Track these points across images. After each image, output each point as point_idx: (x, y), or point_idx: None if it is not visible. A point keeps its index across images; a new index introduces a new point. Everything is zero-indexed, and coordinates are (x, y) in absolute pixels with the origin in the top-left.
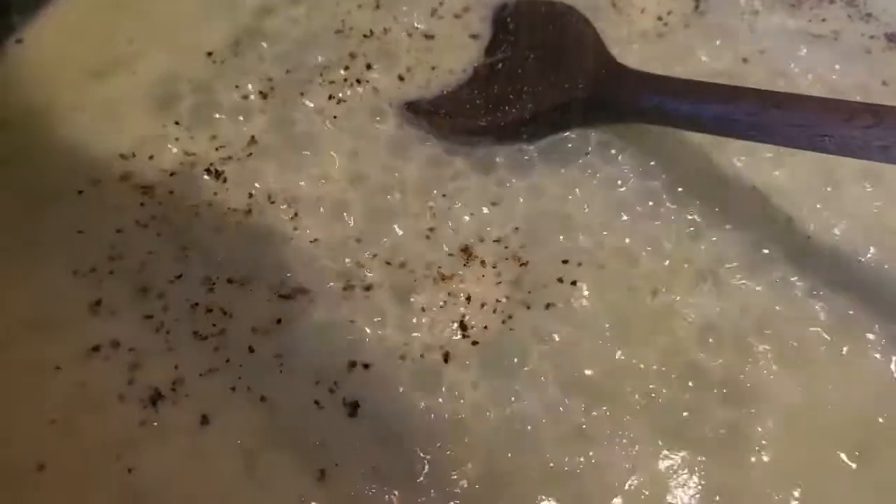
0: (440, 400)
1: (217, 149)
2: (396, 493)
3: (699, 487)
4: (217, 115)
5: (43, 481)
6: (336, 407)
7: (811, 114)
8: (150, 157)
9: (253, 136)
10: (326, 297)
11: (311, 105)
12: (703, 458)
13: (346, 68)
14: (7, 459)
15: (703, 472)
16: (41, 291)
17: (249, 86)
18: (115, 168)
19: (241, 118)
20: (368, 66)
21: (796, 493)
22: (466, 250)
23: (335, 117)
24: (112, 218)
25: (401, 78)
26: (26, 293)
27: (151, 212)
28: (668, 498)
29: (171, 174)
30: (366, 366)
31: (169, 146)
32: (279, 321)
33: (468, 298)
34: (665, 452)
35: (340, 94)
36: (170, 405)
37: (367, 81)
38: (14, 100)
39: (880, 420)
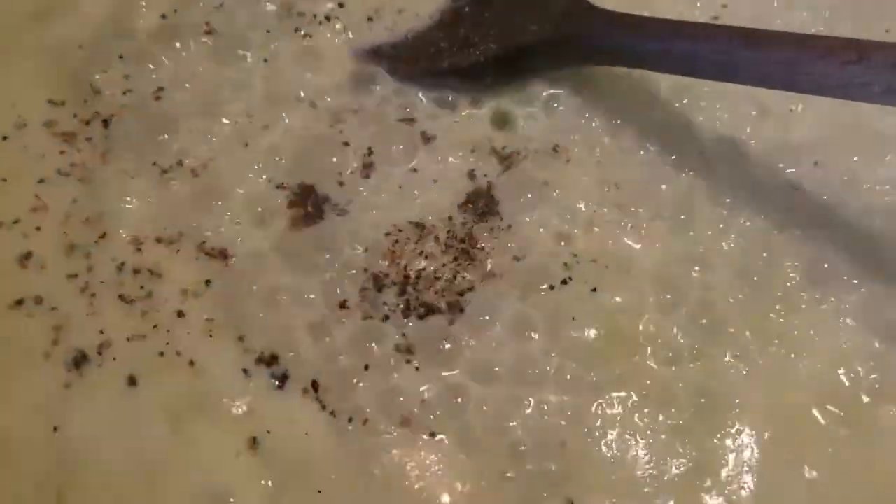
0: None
1: (157, 91)
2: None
3: None
4: (166, 58)
5: None
6: (264, 377)
7: (787, 51)
8: (85, 101)
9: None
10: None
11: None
12: None
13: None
14: None
15: None
16: None
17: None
18: (41, 114)
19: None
20: (341, 5)
21: None
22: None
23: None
24: (35, 167)
25: (369, 19)
26: None
27: (71, 159)
28: None
29: (104, 121)
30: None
31: (107, 91)
32: (208, 282)
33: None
34: None
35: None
36: (95, 367)
37: (337, 18)
38: None
39: None
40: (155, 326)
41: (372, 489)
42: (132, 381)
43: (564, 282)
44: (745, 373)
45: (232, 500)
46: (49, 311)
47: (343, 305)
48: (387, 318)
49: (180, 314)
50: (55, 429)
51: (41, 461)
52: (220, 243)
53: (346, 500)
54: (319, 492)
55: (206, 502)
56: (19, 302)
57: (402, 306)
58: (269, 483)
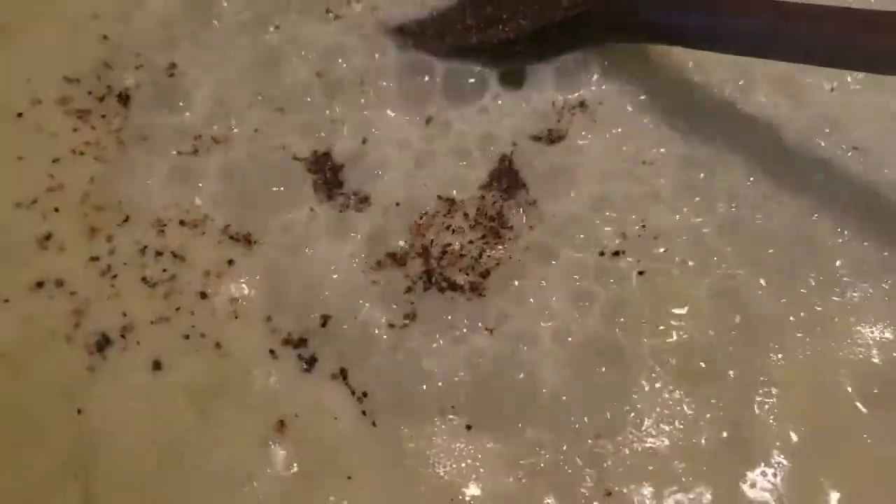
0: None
1: (171, 66)
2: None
3: None
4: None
5: None
6: (291, 359)
7: (837, 25)
8: (98, 78)
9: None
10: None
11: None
12: None
13: None
14: None
15: None
16: None
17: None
18: (56, 90)
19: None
20: None
21: None
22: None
23: None
24: (49, 145)
25: None
26: None
27: (85, 138)
28: None
29: (120, 96)
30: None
31: (124, 72)
32: (231, 262)
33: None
34: None
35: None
36: (119, 351)
37: None
38: None
39: None
40: (178, 309)
41: (403, 477)
42: (157, 365)
43: (602, 252)
44: (780, 357)
45: (256, 483)
46: (70, 295)
47: (374, 283)
48: (409, 289)
49: (203, 295)
50: (79, 411)
51: (65, 442)
52: (243, 226)
53: (377, 488)
54: (349, 478)
55: (231, 485)
56: (40, 284)
57: (423, 280)
58: (297, 467)
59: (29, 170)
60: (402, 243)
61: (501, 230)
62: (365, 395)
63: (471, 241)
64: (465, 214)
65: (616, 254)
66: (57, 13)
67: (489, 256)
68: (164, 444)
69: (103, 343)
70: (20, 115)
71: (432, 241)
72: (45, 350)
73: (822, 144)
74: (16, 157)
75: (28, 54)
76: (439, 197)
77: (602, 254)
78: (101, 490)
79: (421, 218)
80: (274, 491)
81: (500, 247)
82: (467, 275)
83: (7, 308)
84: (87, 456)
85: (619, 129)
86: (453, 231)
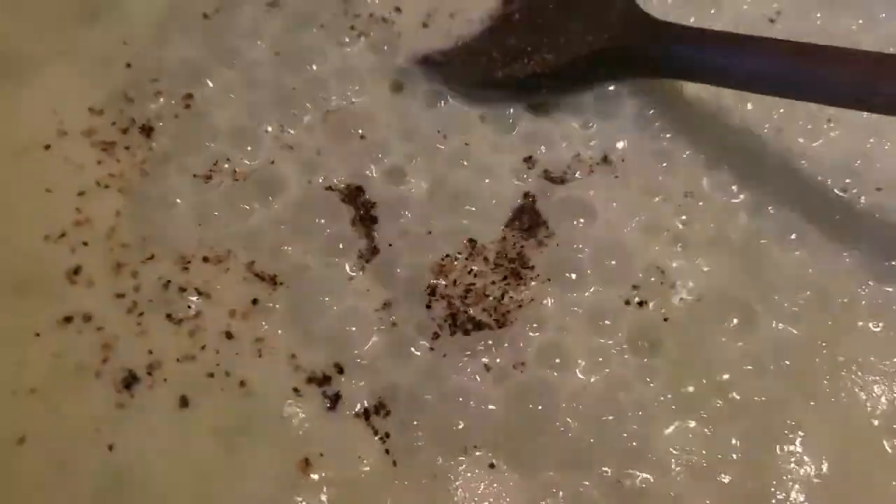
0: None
1: (187, 97)
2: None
3: None
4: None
5: (24, 455)
6: (316, 397)
7: (861, 70)
8: (121, 110)
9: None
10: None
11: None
12: None
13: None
14: None
15: None
16: (19, 254)
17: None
18: (81, 122)
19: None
20: (398, 9)
21: None
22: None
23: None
24: (75, 178)
25: (424, 25)
26: (4, 254)
27: (109, 170)
28: None
29: (143, 128)
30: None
31: (146, 104)
32: (255, 301)
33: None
34: None
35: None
36: (146, 388)
37: (393, 23)
38: None
39: None
40: (203, 347)
41: None
42: (184, 402)
43: (627, 301)
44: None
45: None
46: (97, 330)
47: (394, 324)
48: (436, 335)
49: (229, 335)
50: (110, 447)
51: (98, 478)
52: (268, 265)
53: None
54: None
55: None
56: (68, 318)
57: (449, 322)
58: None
59: (57, 203)
60: (427, 283)
61: (522, 270)
62: (388, 435)
63: (493, 283)
64: (485, 259)
65: (641, 303)
66: (81, 45)
67: (511, 297)
68: (194, 481)
69: (130, 380)
70: (48, 147)
71: (455, 281)
72: (75, 385)
73: (848, 181)
74: (44, 190)
75: (54, 86)
76: (465, 240)
77: (627, 302)
78: None
79: (443, 259)
80: None
81: (521, 288)
82: (491, 315)
83: (38, 342)
84: (120, 491)
85: (643, 170)
86: (475, 274)
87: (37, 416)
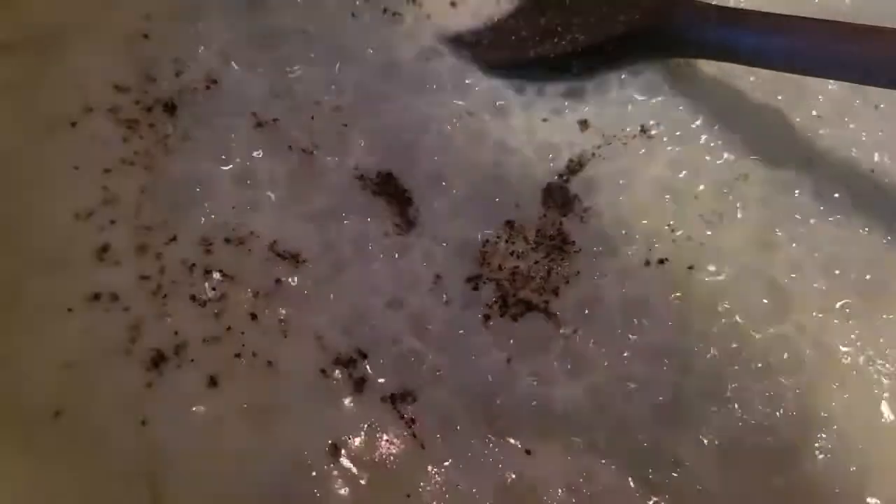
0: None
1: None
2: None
3: None
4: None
5: (61, 428)
6: (342, 379)
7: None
8: (146, 92)
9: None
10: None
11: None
12: None
13: None
14: (25, 403)
15: None
16: (49, 231)
17: None
18: (107, 99)
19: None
20: None
21: None
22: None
23: None
24: (101, 155)
25: (452, 4)
26: (36, 232)
27: (134, 147)
28: None
29: (166, 105)
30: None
31: (169, 82)
32: (278, 281)
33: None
34: None
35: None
36: (174, 368)
37: (421, 5)
38: (24, 21)
39: None
40: (229, 329)
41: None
42: (213, 382)
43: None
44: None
45: (317, 492)
46: (124, 311)
47: (445, 301)
48: (487, 318)
49: (253, 316)
50: (143, 422)
51: (132, 452)
52: (292, 244)
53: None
54: (408, 496)
55: (293, 499)
56: (97, 296)
57: (498, 304)
58: (354, 485)
59: (84, 180)
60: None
61: (565, 246)
62: (413, 420)
63: (536, 262)
64: (525, 238)
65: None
66: (108, 22)
67: (557, 274)
68: (225, 457)
69: (158, 360)
70: (74, 124)
71: (500, 265)
72: (107, 362)
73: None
74: (72, 167)
75: (80, 62)
76: (503, 222)
77: (661, 261)
78: (170, 498)
79: (484, 245)
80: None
81: (566, 262)
82: (540, 294)
83: (71, 317)
84: (153, 465)
85: (677, 146)
86: (517, 256)
87: (72, 390)
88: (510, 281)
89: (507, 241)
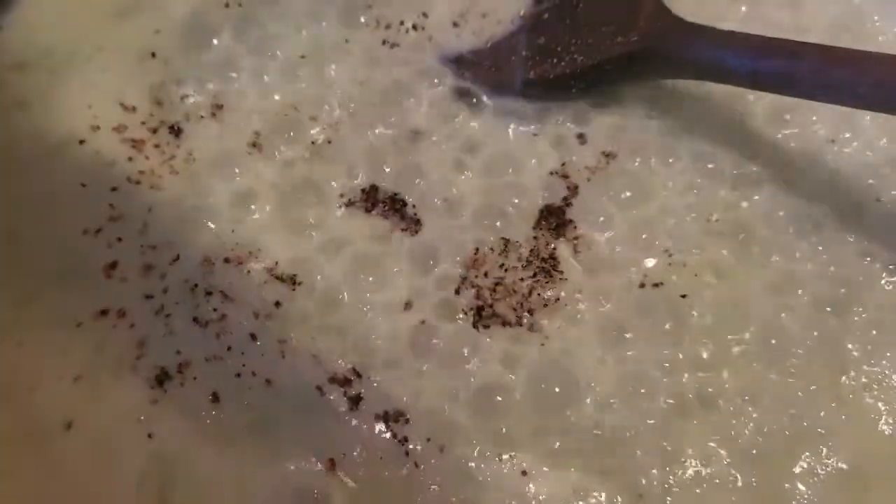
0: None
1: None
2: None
3: None
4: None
5: (72, 439)
6: (338, 397)
7: (887, 72)
8: (151, 115)
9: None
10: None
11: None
12: None
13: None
14: (37, 415)
15: None
16: (59, 246)
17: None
18: (113, 118)
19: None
20: (425, 14)
21: None
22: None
23: None
24: (107, 173)
25: (455, 24)
26: (47, 247)
27: (139, 167)
28: None
29: (172, 128)
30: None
31: (182, 93)
32: (277, 304)
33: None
34: None
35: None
36: (178, 385)
37: (423, 28)
38: (35, 40)
39: None
40: (230, 349)
41: None
42: (215, 398)
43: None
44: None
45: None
46: (130, 328)
47: (422, 322)
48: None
49: (253, 337)
50: (150, 435)
51: (140, 463)
52: (289, 266)
53: None
54: None
55: None
56: (104, 311)
57: (474, 313)
58: (350, 500)
59: (92, 197)
60: (457, 273)
61: (553, 271)
62: (406, 439)
63: (521, 279)
64: (519, 255)
65: (656, 285)
66: (119, 44)
67: (539, 295)
68: (231, 470)
69: (163, 377)
70: (82, 142)
71: (486, 273)
72: (115, 376)
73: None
74: (80, 184)
75: (90, 81)
76: (499, 238)
77: (642, 285)
78: None
79: (476, 252)
80: None
81: (550, 286)
82: (515, 310)
83: (81, 331)
84: (162, 475)
85: (672, 165)
86: (506, 269)
87: (82, 403)
88: (491, 291)
89: (499, 254)
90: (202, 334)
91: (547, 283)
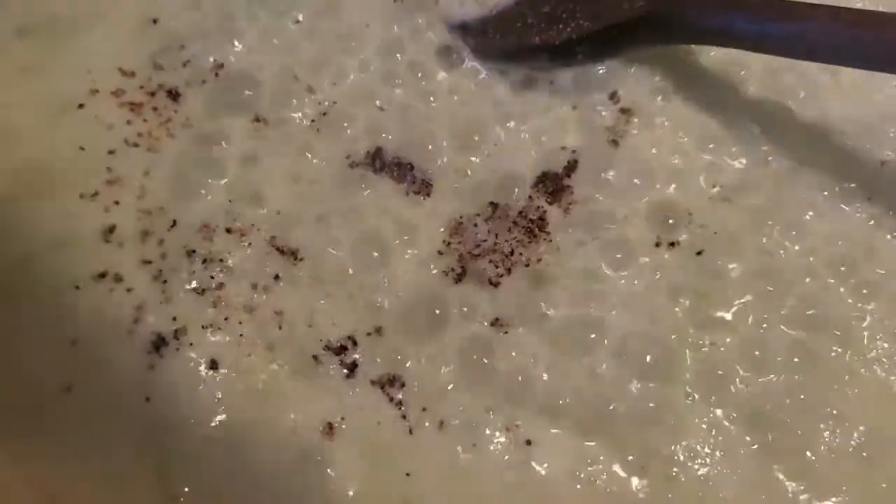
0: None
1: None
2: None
3: None
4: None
5: (72, 402)
6: (334, 365)
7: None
8: (149, 78)
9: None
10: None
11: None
12: None
13: None
14: (37, 379)
15: None
16: (57, 210)
17: None
18: (112, 82)
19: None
20: None
21: None
22: None
23: None
24: (105, 136)
25: None
26: (44, 210)
27: (137, 129)
28: None
29: (170, 92)
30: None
31: (183, 59)
32: (277, 277)
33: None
34: None
35: None
36: (174, 351)
37: None
38: (38, 6)
39: None
40: (227, 319)
41: (459, 476)
42: (213, 365)
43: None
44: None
45: (316, 468)
46: (127, 292)
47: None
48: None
49: (250, 309)
50: (147, 399)
51: (138, 427)
52: (290, 239)
53: (436, 483)
54: (408, 475)
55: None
56: (102, 275)
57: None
58: (350, 462)
59: (90, 161)
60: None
61: (540, 231)
62: (401, 403)
63: (506, 240)
64: (507, 216)
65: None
66: (120, 8)
67: (520, 255)
68: (226, 435)
69: (159, 343)
70: (81, 105)
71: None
72: (112, 341)
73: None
74: (78, 148)
75: (90, 46)
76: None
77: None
78: (176, 472)
79: (460, 217)
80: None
81: (532, 246)
82: (497, 267)
83: (79, 294)
84: (160, 440)
85: (677, 127)
86: (491, 233)
87: (81, 367)
88: (471, 253)
89: (486, 220)
90: (199, 302)
91: (530, 242)
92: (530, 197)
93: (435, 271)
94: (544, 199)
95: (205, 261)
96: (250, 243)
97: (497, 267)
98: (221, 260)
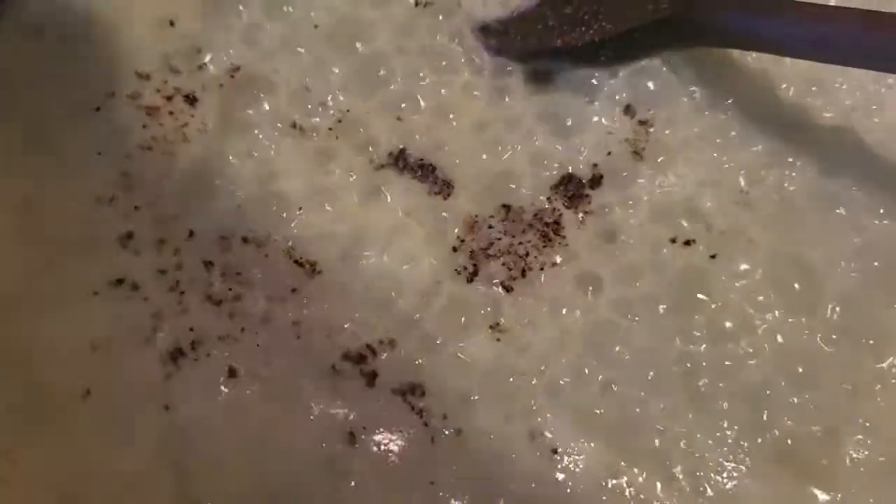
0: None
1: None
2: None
3: None
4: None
5: (89, 408)
6: (354, 375)
7: None
8: (165, 82)
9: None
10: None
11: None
12: None
13: None
14: (55, 383)
15: None
16: (75, 215)
17: None
18: (128, 84)
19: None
20: None
21: None
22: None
23: None
24: (121, 141)
25: None
26: (63, 215)
27: (152, 133)
28: None
29: (187, 97)
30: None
31: (200, 62)
32: (294, 290)
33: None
34: None
35: None
36: (191, 361)
37: None
38: (52, 7)
39: None
40: (243, 330)
41: (483, 486)
42: (232, 373)
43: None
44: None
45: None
46: (144, 301)
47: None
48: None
49: (266, 320)
50: (166, 407)
51: (156, 435)
52: (307, 251)
53: (459, 492)
54: (432, 483)
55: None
56: (120, 281)
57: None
58: (372, 471)
59: (106, 165)
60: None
61: (555, 235)
62: (422, 412)
63: (520, 243)
64: (522, 219)
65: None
66: (136, 11)
67: (535, 258)
68: (247, 446)
69: (176, 354)
70: (98, 108)
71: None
72: (130, 347)
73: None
74: (95, 153)
75: (107, 48)
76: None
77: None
78: (195, 480)
79: (476, 216)
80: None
81: (547, 251)
82: (510, 269)
83: (97, 301)
84: (179, 448)
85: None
86: (507, 234)
87: (99, 372)
88: (484, 251)
89: (502, 221)
90: (216, 313)
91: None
92: (549, 199)
93: (449, 271)
94: (562, 202)
95: (223, 274)
96: (267, 255)
97: (510, 269)
98: (238, 273)
